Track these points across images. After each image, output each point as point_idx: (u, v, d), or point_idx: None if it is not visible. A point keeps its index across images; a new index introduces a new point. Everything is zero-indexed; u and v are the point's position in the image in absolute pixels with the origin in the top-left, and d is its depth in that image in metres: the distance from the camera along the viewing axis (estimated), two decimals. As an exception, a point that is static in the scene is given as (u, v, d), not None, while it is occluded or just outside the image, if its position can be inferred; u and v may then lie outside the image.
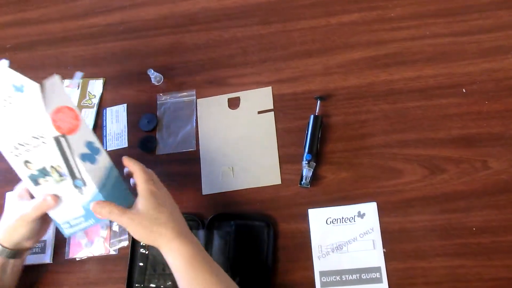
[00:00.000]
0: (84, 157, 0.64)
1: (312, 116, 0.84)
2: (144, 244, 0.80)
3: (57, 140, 0.62)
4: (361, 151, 0.82)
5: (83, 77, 0.97)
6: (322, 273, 0.75)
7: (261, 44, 0.93)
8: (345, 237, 0.77)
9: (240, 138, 0.87)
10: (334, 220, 0.78)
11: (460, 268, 0.73)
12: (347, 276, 0.75)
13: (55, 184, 0.66)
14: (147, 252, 0.80)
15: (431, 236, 0.75)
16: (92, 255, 0.83)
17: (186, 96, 0.92)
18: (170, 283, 0.77)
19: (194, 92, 0.92)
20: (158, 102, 0.92)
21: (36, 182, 0.67)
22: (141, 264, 0.79)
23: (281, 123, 0.86)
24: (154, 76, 0.92)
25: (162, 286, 0.78)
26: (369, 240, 0.76)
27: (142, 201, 0.66)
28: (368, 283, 0.74)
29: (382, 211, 0.77)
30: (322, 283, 0.75)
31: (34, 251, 0.85)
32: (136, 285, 0.78)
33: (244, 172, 0.84)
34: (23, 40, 1.03)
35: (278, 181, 0.82)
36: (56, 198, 0.67)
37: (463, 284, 0.72)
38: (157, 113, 0.91)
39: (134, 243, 0.81)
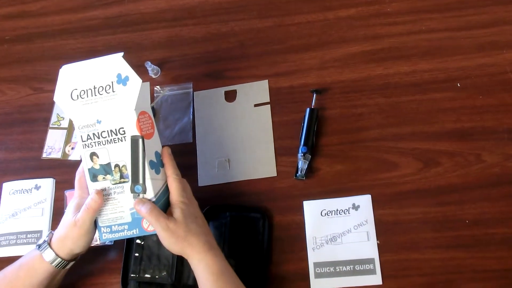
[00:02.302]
0: (152, 165, 0.66)
1: (308, 109, 0.84)
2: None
3: (135, 140, 0.63)
4: (357, 144, 0.82)
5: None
6: (316, 264, 0.76)
7: (258, 38, 0.94)
8: (339, 228, 0.77)
9: (237, 130, 0.87)
10: (329, 212, 0.79)
11: (453, 260, 0.73)
12: (341, 267, 0.75)
13: (112, 185, 0.67)
14: (142, 243, 0.80)
15: (424, 228, 0.76)
16: (88, 245, 0.83)
17: (183, 88, 0.92)
18: (164, 273, 0.78)
19: (191, 85, 0.92)
20: (155, 94, 0.93)
21: (94, 178, 0.67)
22: (136, 254, 0.79)
23: (277, 116, 0.87)
24: (152, 69, 0.92)
25: (157, 276, 0.78)
26: (363, 232, 0.77)
27: (177, 211, 0.67)
28: (361, 274, 0.74)
29: (376, 204, 0.78)
30: (316, 274, 0.75)
31: (30, 241, 0.85)
32: (132, 275, 0.78)
33: (240, 164, 0.85)
34: (22, 32, 1.03)
35: (274, 173, 0.83)
36: (101, 194, 0.68)
37: (456, 275, 0.73)
38: (154, 106, 0.92)
39: (130, 233, 0.81)
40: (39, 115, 0.95)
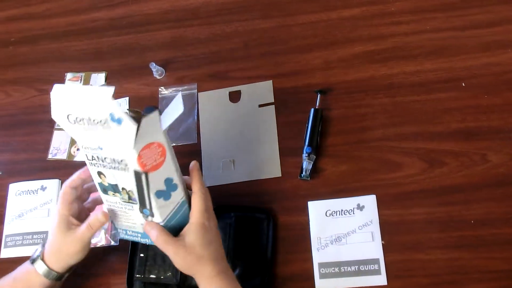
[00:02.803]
0: (159, 194, 0.63)
1: (312, 110, 0.84)
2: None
3: (137, 174, 0.60)
4: (361, 144, 0.82)
5: (86, 70, 0.98)
6: (321, 265, 0.76)
7: (263, 38, 0.94)
8: (344, 229, 0.77)
9: (241, 131, 0.87)
10: (333, 212, 0.79)
11: (458, 260, 0.73)
12: (345, 267, 0.75)
13: (121, 201, 0.66)
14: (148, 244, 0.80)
15: (429, 229, 0.75)
16: (93, 246, 0.83)
17: (187, 89, 0.92)
18: (169, 274, 0.78)
19: (196, 86, 0.92)
20: (159, 95, 0.93)
21: (105, 191, 0.66)
22: (141, 255, 0.80)
23: (281, 116, 0.87)
24: (156, 70, 0.93)
25: (162, 277, 0.78)
26: (368, 232, 0.77)
27: (191, 236, 0.65)
28: (366, 275, 0.74)
29: (381, 204, 0.78)
30: (321, 275, 0.75)
31: (36, 242, 0.86)
32: (137, 275, 0.79)
33: (245, 165, 0.85)
34: (27, 34, 1.04)
35: (279, 174, 0.83)
36: (107, 215, 0.67)
37: (461, 276, 0.72)
38: (159, 106, 0.92)
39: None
40: (44, 117, 0.95)
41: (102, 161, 0.61)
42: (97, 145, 0.60)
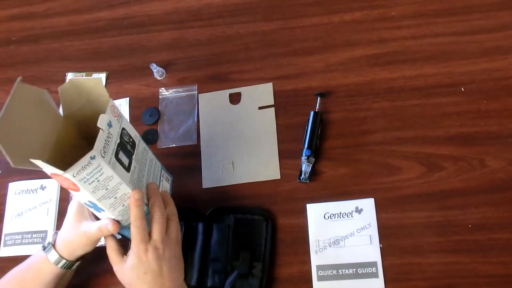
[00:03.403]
0: (88, 205, 0.65)
1: (312, 113, 0.85)
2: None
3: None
4: (360, 148, 0.83)
5: (86, 70, 0.98)
6: (319, 267, 0.76)
7: (263, 41, 0.94)
8: (342, 232, 0.78)
9: (241, 133, 0.88)
10: (332, 215, 0.79)
11: (456, 264, 0.73)
12: (343, 270, 0.75)
13: None
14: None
15: (427, 233, 0.76)
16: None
17: (188, 90, 0.93)
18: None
19: (196, 87, 0.92)
20: (160, 96, 0.93)
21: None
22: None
23: (281, 118, 0.87)
24: (157, 71, 0.93)
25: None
26: (366, 235, 0.77)
27: (128, 263, 0.66)
28: (364, 278, 0.74)
29: (379, 207, 0.78)
30: (319, 277, 0.76)
31: (35, 241, 0.86)
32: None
33: (244, 167, 0.85)
34: (28, 33, 1.04)
35: (278, 176, 0.83)
36: (117, 225, 0.67)
37: (458, 280, 0.73)
38: (159, 107, 0.92)
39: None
40: (45, 116, 0.95)
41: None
42: None
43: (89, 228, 0.68)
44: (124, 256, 0.68)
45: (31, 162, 0.56)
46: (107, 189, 0.63)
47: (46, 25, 1.04)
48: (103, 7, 1.03)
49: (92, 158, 0.58)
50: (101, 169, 0.60)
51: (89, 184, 0.60)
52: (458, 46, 0.86)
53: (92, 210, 0.66)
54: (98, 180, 0.61)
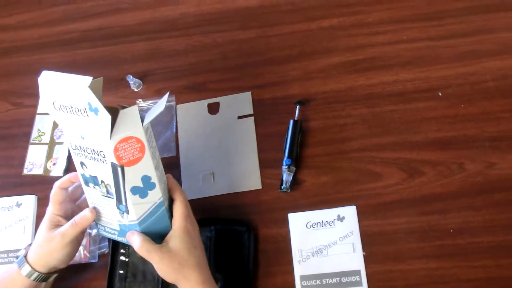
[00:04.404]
0: (135, 191, 0.63)
1: (291, 121, 0.84)
2: (124, 251, 0.79)
3: (114, 167, 0.61)
4: (341, 155, 0.83)
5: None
6: (303, 277, 0.76)
7: (241, 49, 0.93)
8: (325, 241, 0.77)
9: (220, 143, 0.87)
10: (314, 224, 0.79)
11: (438, 269, 0.74)
12: (327, 279, 0.75)
13: (100, 195, 0.66)
14: (127, 260, 0.79)
15: (409, 239, 0.76)
16: (71, 263, 0.81)
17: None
18: (150, 290, 0.77)
19: (174, 98, 0.91)
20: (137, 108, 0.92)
21: (86, 183, 0.66)
22: (121, 271, 0.78)
23: (261, 128, 0.87)
24: (133, 82, 0.92)
25: (142, 293, 0.77)
26: (349, 243, 0.77)
27: (176, 240, 0.65)
28: (348, 286, 0.74)
29: (361, 215, 0.78)
30: (303, 287, 0.75)
31: (11, 261, 0.83)
32: (117, 293, 0.78)
33: (225, 177, 0.84)
34: (-1, 47, 1.02)
35: (259, 186, 0.83)
36: (94, 212, 0.67)
37: (441, 285, 0.73)
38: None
39: (114, 249, 0.80)
40: (19, 131, 0.93)
41: (84, 151, 0.62)
42: (79, 134, 0.61)
43: (62, 228, 0.67)
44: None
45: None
46: (156, 158, 0.64)
47: (17, 38, 1.02)
48: (76, 19, 1.01)
49: (147, 124, 0.60)
50: (152, 135, 0.63)
51: (150, 148, 0.61)
52: (433, 51, 0.87)
53: (135, 197, 0.63)
54: (152, 146, 0.62)
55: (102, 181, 0.64)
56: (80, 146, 0.62)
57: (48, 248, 0.68)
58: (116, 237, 0.71)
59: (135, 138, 0.60)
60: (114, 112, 0.59)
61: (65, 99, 0.59)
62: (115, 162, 0.60)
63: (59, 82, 0.59)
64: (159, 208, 0.67)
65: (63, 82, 0.59)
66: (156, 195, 0.65)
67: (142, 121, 0.60)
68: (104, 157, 0.61)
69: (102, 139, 0.59)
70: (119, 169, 0.61)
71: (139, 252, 0.65)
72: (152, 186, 0.64)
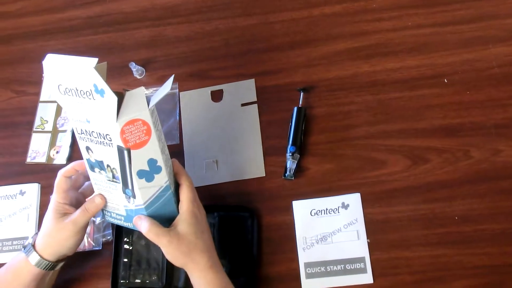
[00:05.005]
0: (141, 174, 0.63)
1: (295, 108, 0.84)
2: (127, 240, 0.79)
3: (120, 150, 0.61)
4: (345, 142, 0.82)
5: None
6: (307, 264, 0.76)
7: (244, 36, 0.92)
8: (329, 228, 0.77)
9: (224, 131, 0.86)
10: (318, 211, 0.78)
11: (443, 257, 0.74)
12: (331, 266, 0.75)
13: (106, 180, 0.66)
14: (131, 248, 0.79)
15: (414, 226, 0.76)
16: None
17: (168, 89, 0.91)
18: (155, 277, 0.77)
19: (177, 85, 0.91)
20: (140, 95, 0.91)
21: (92, 168, 0.66)
22: (125, 260, 0.79)
23: (264, 115, 0.86)
24: (136, 70, 0.91)
25: (147, 281, 0.77)
26: (353, 230, 0.76)
27: (184, 224, 0.65)
28: (352, 273, 0.74)
29: (365, 202, 0.78)
30: (307, 274, 0.75)
31: (16, 248, 0.84)
32: (121, 281, 0.78)
33: (228, 165, 0.84)
34: (1, 34, 1.00)
35: (262, 174, 0.82)
36: (104, 198, 0.68)
37: (445, 272, 0.73)
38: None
39: (117, 238, 0.80)
40: (22, 119, 0.93)
41: (90, 135, 0.62)
42: (85, 117, 0.61)
43: (73, 216, 0.67)
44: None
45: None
46: (162, 141, 0.64)
47: (20, 25, 1.01)
48: (77, 5, 1.00)
49: (153, 106, 0.60)
50: (157, 119, 0.62)
51: (156, 131, 0.61)
52: (439, 37, 0.86)
53: (141, 181, 0.63)
54: (158, 129, 0.62)
55: (108, 166, 0.64)
56: (86, 130, 0.62)
57: (60, 237, 0.68)
58: (122, 223, 0.71)
59: (141, 121, 0.59)
60: (119, 97, 0.59)
61: (70, 82, 0.59)
62: (122, 145, 0.60)
63: (64, 65, 0.58)
64: (165, 192, 0.66)
65: (68, 65, 0.58)
66: (162, 179, 0.65)
67: (148, 104, 0.60)
68: (110, 141, 0.60)
69: (108, 121, 0.59)
70: (126, 152, 0.60)
71: (147, 236, 0.65)
72: (158, 170, 0.64)
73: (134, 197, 0.65)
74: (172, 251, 0.65)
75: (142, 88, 0.61)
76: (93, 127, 0.61)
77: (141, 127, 0.60)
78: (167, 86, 0.61)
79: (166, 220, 0.67)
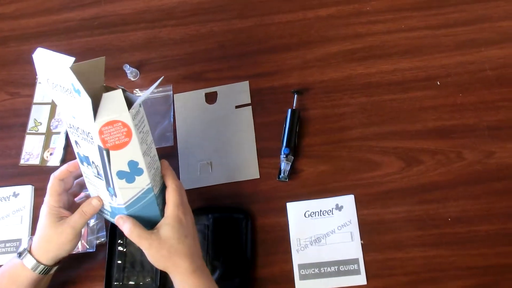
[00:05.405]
0: (121, 175, 0.62)
1: (289, 110, 0.84)
2: (121, 242, 0.79)
3: (100, 150, 0.60)
4: (339, 144, 0.82)
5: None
6: (301, 266, 0.76)
7: (238, 38, 0.93)
8: (323, 229, 0.77)
9: (218, 132, 0.86)
10: (312, 213, 0.78)
11: (436, 257, 0.74)
12: (325, 268, 0.75)
13: (93, 175, 0.65)
14: (125, 250, 0.79)
15: (408, 227, 0.76)
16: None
17: (163, 91, 0.91)
18: (149, 279, 0.77)
19: (171, 87, 0.91)
20: (134, 97, 0.91)
21: (81, 162, 0.66)
22: (119, 261, 0.78)
23: (259, 117, 0.86)
24: (130, 72, 0.91)
25: (141, 283, 0.77)
26: (347, 232, 0.76)
27: (166, 228, 0.64)
28: (346, 275, 0.74)
29: (359, 204, 0.78)
30: (301, 276, 0.75)
31: (9, 250, 0.83)
32: (115, 283, 0.77)
33: (223, 167, 0.84)
34: (-4, 36, 1.01)
35: (257, 175, 0.82)
36: (101, 200, 0.67)
37: (439, 273, 0.73)
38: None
39: (111, 240, 0.80)
40: (16, 121, 0.93)
41: (76, 130, 0.62)
42: (71, 114, 0.60)
43: (70, 219, 0.67)
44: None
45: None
46: (147, 144, 0.63)
47: (15, 27, 1.01)
48: (73, 7, 1.00)
49: (140, 105, 0.59)
50: (144, 120, 0.61)
51: (139, 133, 0.60)
52: (433, 40, 0.87)
53: (121, 182, 0.63)
54: (142, 131, 0.61)
55: (92, 162, 0.63)
56: (73, 125, 0.62)
57: (60, 241, 0.68)
58: (109, 218, 0.71)
59: (121, 122, 0.58)
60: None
61: (55, 78, 0.58)
62: (101, 145, 0.59)
63: (50, 61, 0.58)
64: (147, 194, 0.66)
65: (52, 61, 0.58)
66: (144, 181, 0.64)
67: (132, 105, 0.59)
68: (92, 139, 0.60)
69: (87, 121, 0.58)
70: (105, 152, 0.60)
71: (129, 237, 0.65)
72: (139, 172, 0.63)
73: (115, 196, 0.65)
74: (153, 254, 0.64)
75: (120, 91, 0.59)
76: (78, 123, 0.61)
77: (121, 128, 0.59)
78: (151, 88, 0.61)
79: (149, 222, 0.67)
